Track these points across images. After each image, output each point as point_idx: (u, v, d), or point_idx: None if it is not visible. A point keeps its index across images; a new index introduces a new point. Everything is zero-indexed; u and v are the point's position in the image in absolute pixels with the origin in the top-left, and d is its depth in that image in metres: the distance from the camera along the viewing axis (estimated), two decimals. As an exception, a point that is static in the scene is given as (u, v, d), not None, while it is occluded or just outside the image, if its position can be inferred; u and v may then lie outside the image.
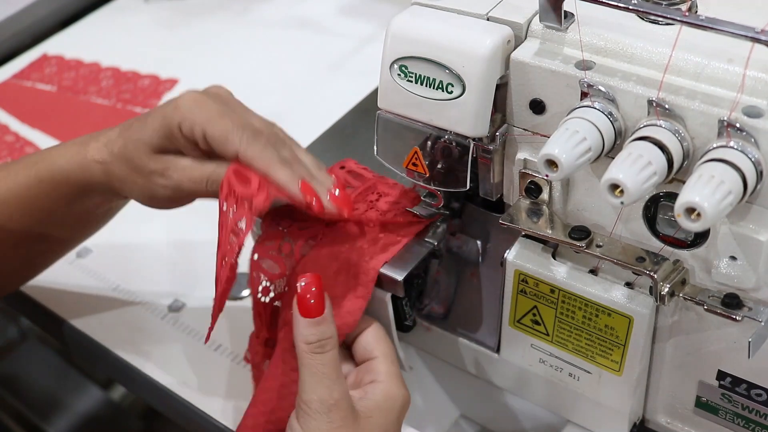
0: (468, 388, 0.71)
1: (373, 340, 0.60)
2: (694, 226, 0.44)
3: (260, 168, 0.58)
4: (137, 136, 0.61)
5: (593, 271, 0.58)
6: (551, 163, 0.48)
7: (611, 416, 0.62)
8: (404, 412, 0.58)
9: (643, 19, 0.53)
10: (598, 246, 0.55)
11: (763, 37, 0.44)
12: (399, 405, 0.58)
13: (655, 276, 0.52)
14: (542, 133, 0.55)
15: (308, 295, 0.56)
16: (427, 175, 0.61)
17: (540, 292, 0.59)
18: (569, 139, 0.48)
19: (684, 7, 0.51)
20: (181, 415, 0.72)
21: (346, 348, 0.62)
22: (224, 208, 0.58)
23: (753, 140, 0.46)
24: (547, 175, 0.49)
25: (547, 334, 0.61)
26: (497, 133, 0.57)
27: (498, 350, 0.65)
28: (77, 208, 0.68)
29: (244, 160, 0.58)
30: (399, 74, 0.56)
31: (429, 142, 0.60)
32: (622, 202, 0.46)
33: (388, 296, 0.63)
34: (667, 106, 0.48)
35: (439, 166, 0.60)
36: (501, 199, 0.61)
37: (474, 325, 0.67)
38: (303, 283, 0.56)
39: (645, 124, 0.49)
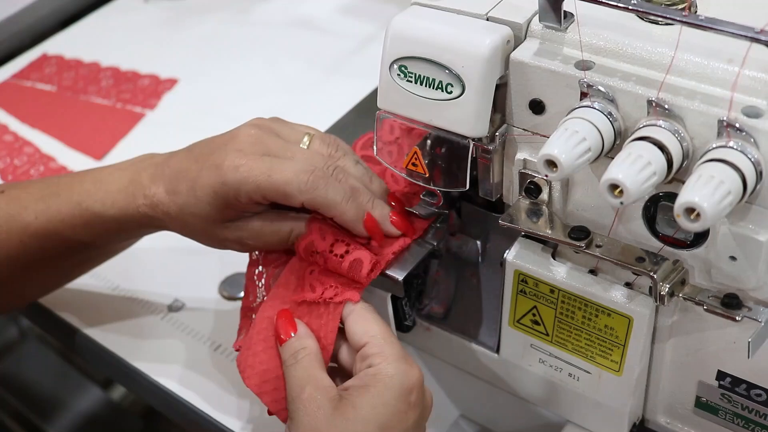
0: (468, 388, 0.71)
1: (359, 327, 0.58)
2: (694, 226, 0.44)
3: (328, 213, 0.59)
4: (193, 210, 0.60)
5: (593, 271, 0.58)
6: (551, 164, 0.48)
7: (611, 416, 0.62)
8: (407, 390, 0.54)
9: (643, 19, 0.53)
10: (597, 246, 0.55)
11: (762, 37, 0.44)
12: (395, 384, 0.54)
13: (655, 276, 0.52)
14: (542, 133, 0.55)
15: (279, 329, 0.59)
16: (427, 175, 0.61)
17: (540, 292, 0.59)
18: (569, 139, 0.48)
19: (684, 7, 0.51)
20: (181, 415, 0.72)
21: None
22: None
23: (752, 140, 0.46)
24: (546, 176, 0.49)
25: (547, 334, 0.61)
26: (497, 133, 0.56)
27: (498, 350, 0.65)
28: (125, 240, 0.71)
29: (310, 207, 0.59)
30: (399, 74, 0.56)
31: (429, 142, 0.60)
32: (621, 202, 0.46)
33: (388, 296, 0.63)
34: (666, 106, 0.48)
35: (439, 166, 0.61)
36: (501, 199, 0.61)
37: (474, 325, 0.67)
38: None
39: (645, 124, 0.49)
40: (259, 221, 0.60)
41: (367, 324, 0.57)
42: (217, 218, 0.60)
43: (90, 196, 0.64)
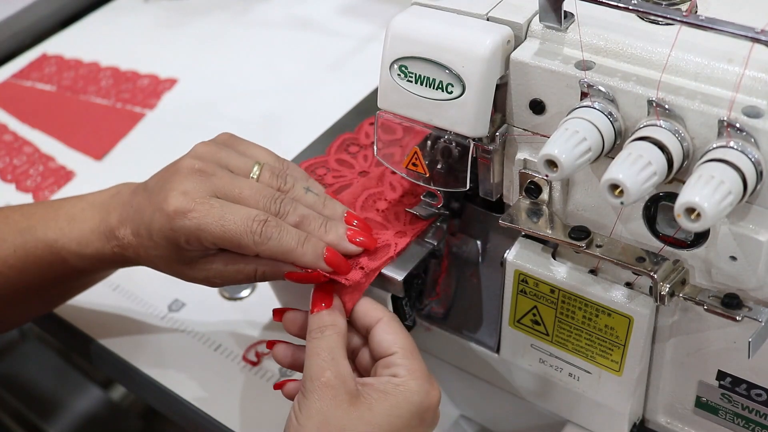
0: (468, 388, 0.71)
1: (389, 335, 0.57)
2: (694, 227, 0.44)
3: (286, 260, 0.58)
4: (154, 252, 0.60)
5: (593, 271, 0.58)
6: (551, 163, 0.48)
7: (611, 416, 0.62)
8: (425, 408, 0.55)
9: (643, 19, 0.53)
10: (598, 246, 0.55)
11: (763, 37, 0.44)
12: (416, 400, 0.55)
13: (655, 276, 0.52)
14: (542, 133, 0.55)
15: (315, 298, 0.59)
16: (427, 175, 0.61)
17: (540, 292, 0.59)
18: (569, 139, 0.48)
19: (684, 7, 0.51)
20: (181, 415, 0.72)
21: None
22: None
23: (753, 140, 0.46)
24: (547, 175, 0.49)
25: (547, 334, 0.61)
26: (497, 133, 0.56)
27: (498, 350, 0.65)
28: (105, 271, 0.72)
29: (266, 257, 0.58)
30: (399, 74, 0.56)
31: (429, 142, 0.60)
32: (622, 202, 0.46)
33: (388, 296, 0.63)
34: (667, 106, 0.48)
35: (439, 166, 0.61)
36: (501, 199, 0.61)
37: (474, 325, 0.67)
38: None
39: (645, 124, 0.49)
40: (220, 263, 0.60)
41: (397, 336, 0.58)
42: (176, 259, 0.60)
43: (65, 235, 0.65)
